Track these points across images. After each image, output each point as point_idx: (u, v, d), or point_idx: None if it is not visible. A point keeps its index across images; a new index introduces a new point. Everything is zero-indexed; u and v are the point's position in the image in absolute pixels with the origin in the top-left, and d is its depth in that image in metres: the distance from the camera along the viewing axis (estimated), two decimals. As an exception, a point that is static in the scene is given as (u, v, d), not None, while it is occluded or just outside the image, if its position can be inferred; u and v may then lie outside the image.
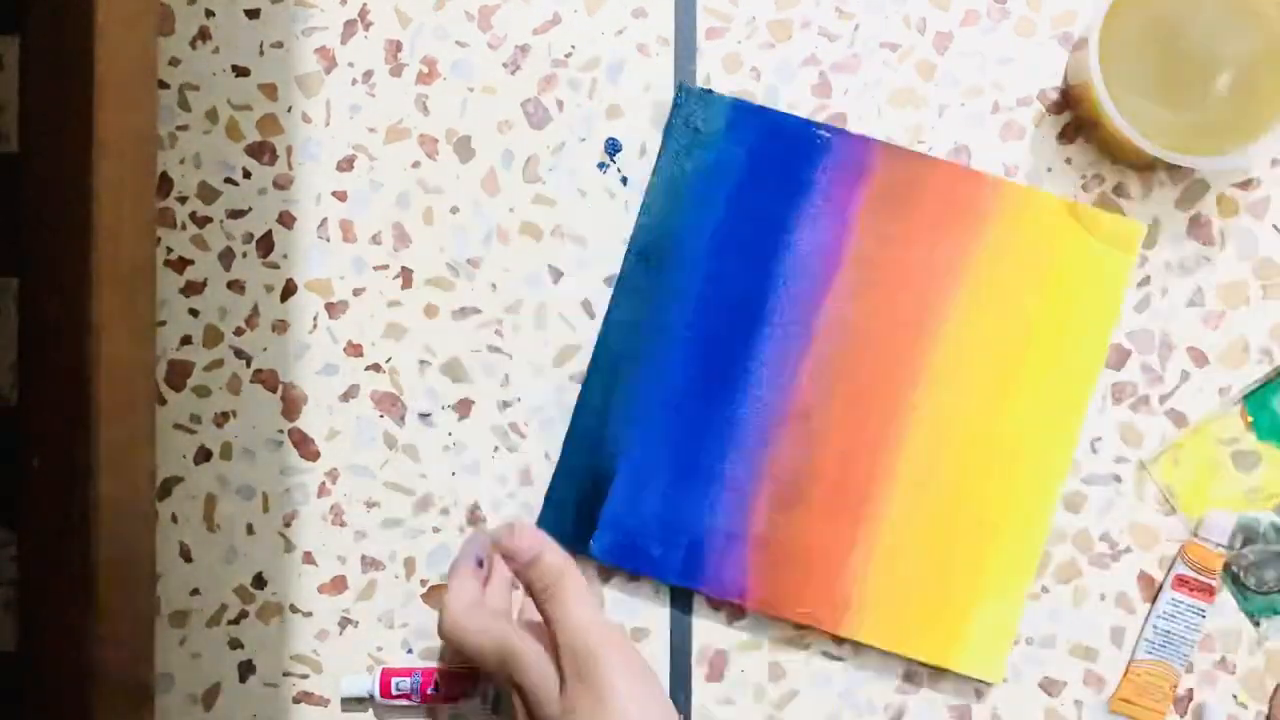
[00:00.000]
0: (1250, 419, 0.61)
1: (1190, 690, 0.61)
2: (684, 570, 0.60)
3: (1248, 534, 0.60)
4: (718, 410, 0.60)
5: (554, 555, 0.54)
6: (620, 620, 0.61)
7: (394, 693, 0.60)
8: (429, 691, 0.59)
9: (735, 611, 0.61)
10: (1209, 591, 0.59)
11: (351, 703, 0.61)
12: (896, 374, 0.60)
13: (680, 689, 0.61)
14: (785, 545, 0.60)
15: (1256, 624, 0.61)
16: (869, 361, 0.60)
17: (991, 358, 0.60)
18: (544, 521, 0.60)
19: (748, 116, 0.61)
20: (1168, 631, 0.60)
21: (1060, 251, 0.60)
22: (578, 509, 0.60)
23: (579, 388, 0.61)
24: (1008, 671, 0.61)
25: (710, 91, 0.61)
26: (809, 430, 0.60)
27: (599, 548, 0.60)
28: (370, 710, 0.61)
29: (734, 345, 0.61)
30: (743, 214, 0.61)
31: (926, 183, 0.61)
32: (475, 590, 0.56)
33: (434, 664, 0.61)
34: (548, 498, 0.61)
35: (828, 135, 0.61)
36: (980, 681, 0.61)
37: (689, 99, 0.61)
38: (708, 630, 0.61)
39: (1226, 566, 0.60)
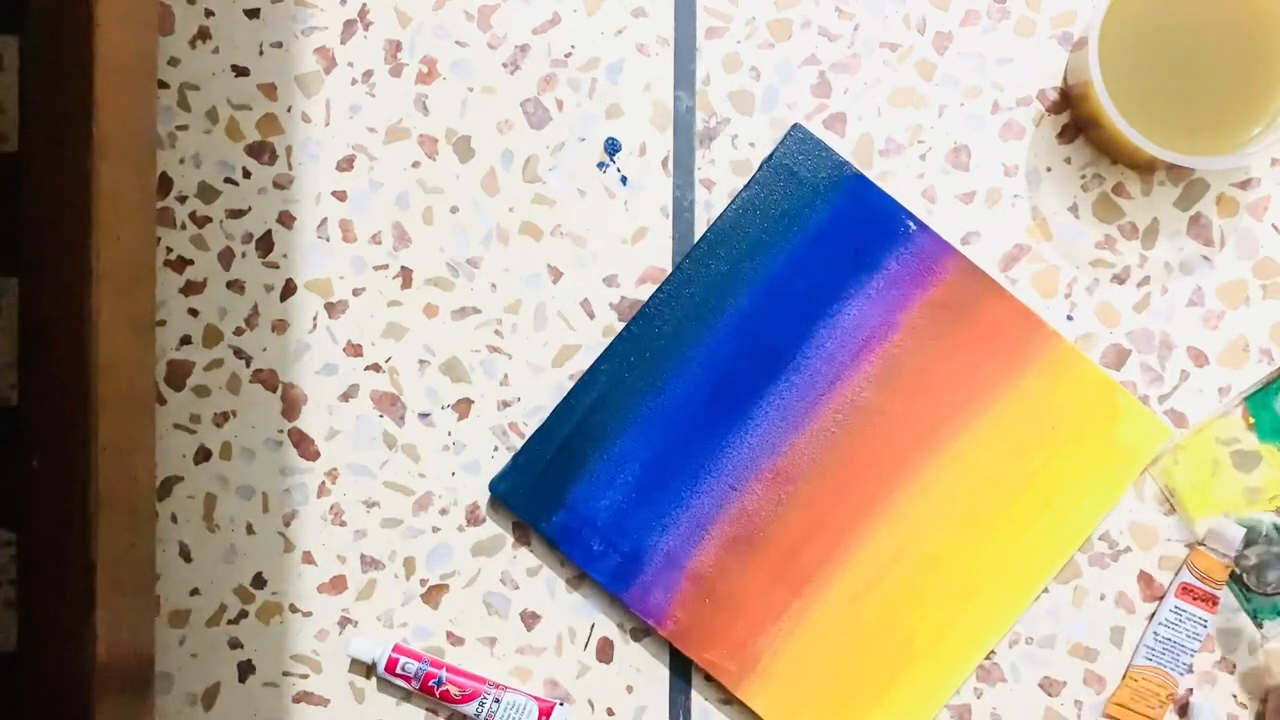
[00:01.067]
0: (1252, 420, 0.61)
1: (1189, 689, 0.61)
2: (616, 575, 0.60)
3: (1250, 535, 0.60)
4: (708, 439, 0.60)
5: None
6: (620, 608, 0.61)
7: (398, 671, 0.60)
8: (430, 684, 0.59)
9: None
10: (1212, 601, 0.59)
11: (352, 693, 0.61)
12: (886, 474, 0.60)
13: None
14: (719, 589, 0.60)
15: (1259, 625, 0.60)
16: (867, 450, 0.60)
17: (979, 496, 0.60)
18: (504, 480, 0.60)
19: (848, 179, 0.61)
20: (1168, 639, 0.60)
21: (1085, 425, 0.60)
22: (540, 479, 0.60)
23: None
24: (1007, 673, 0.61)
25: (821, 143, 0.61)
26: (784, 492, 0.60)
27: (549, 525, 0.60)
28: (369, 703, 0.61)
29: (746, 385, 0.61)
30: (804, 267, 0.61)
31: (987, 308, 0.60)
32: None
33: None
34: (514, 460, 0.60)
35: (914, 227, 0.61)
36: (980, 681, 0.61)
37: (798, 143, 0.61)
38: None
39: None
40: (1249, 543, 0.60)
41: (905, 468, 0.60)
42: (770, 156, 0.61)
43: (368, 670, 0.61)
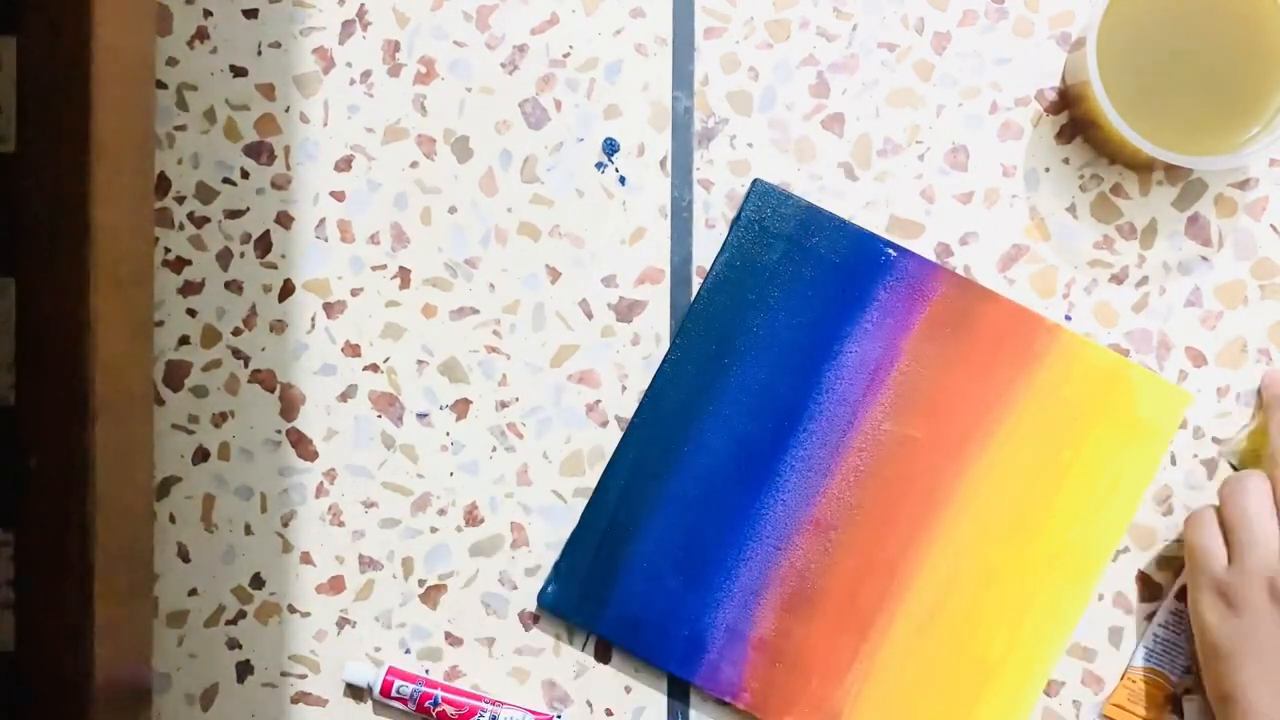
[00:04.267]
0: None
1: (1187, 690, 0.61)
2: (682, 660, 0.60)
3: None
4: (741, 506, 0.60)
5: None
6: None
7: (394, 695, 0.60)
8: (427, 705, 0.59)
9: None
10: None
11: (350, 693, 0.61)
12: (923, 500, 0.60)
13: None
14: (785, 651, 0.60)
15: None
16: (898, 482, 0.60)
17: (1019, 501, 0.60)
18: (551, 592, 0.60)
19: (818, 222, 0.61)
20: (1167, 640, 0.60)
21: (1105, 408, 0.60)
22: (586, 582, 0.60)
23: (579, 389, 0.61)
24: (1006, 671, 0.61)
25: (785, 192, 0.61)
26: (828, 540, 0.60)
27: (604, 625, 0.60)
28: (368, 703, 0.61)
29: (766, 444, 0.60)
30: (797, 317, 0.61)
31: (984, 315, 0.60)
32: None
33: (438, 666, 0.61)
34: (556, 567, 0.61)
35: (894, 254, 0.60)
36: (978, 681, 0.61)
37: (762, 197, 0.61)
38: None
39: None
40: None
41: (941, 489, 0.60)
42: (738, 216, 0.61)
43: (364, 694, 0.61)
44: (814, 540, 0.60)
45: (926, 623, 0.60)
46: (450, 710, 0.60)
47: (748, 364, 0.61)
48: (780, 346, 0.61)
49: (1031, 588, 0.60)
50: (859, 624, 0.60)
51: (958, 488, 0.60)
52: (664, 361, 0.61)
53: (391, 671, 0.60)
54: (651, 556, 0.60)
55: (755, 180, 0.61)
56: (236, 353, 0.62)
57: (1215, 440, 0.61)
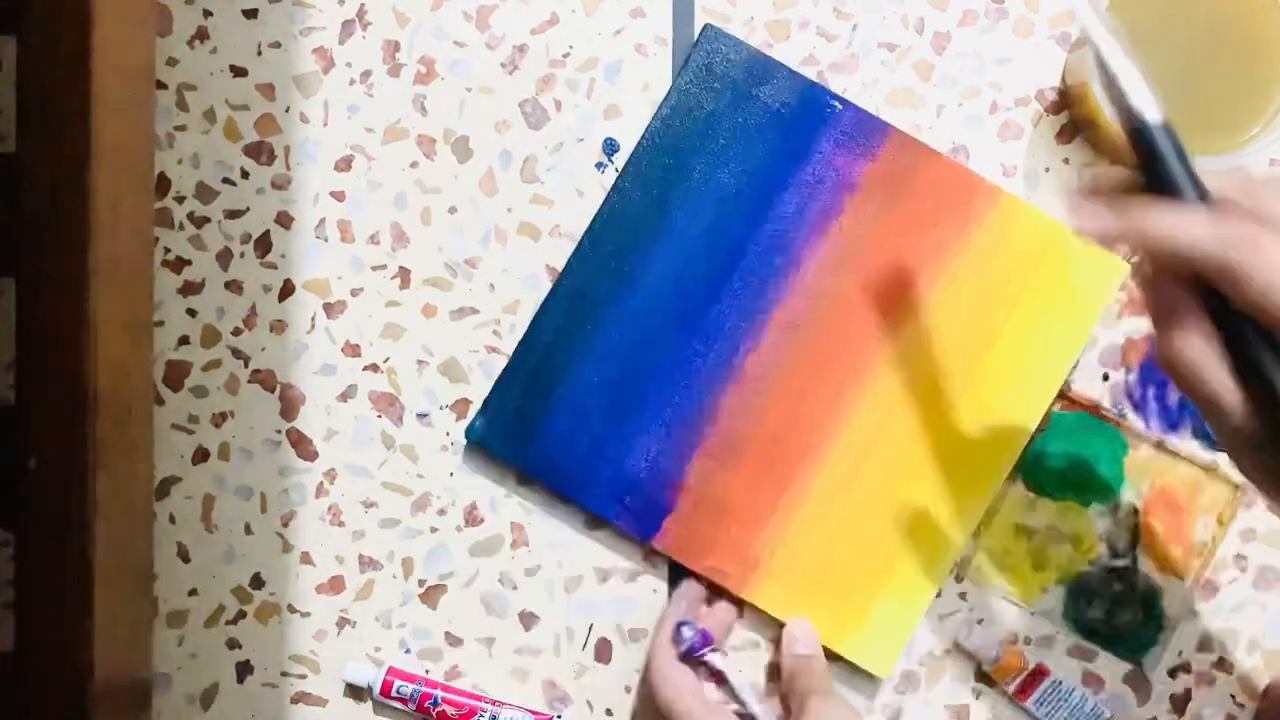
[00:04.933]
0: (1032, 484, 0.60)
1: (1188, 690, 0.61)
2: (603, 499, 0.60)
3: (1086, 594, 0.60)
4: (672, 351, 0.60)
5: (823, 662, 0.58)
6: (619, 608, 0.61)
7: (394, 695, 0.60)
8: (427, 705, 0.59)
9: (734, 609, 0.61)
10: (1026, 691, 0.60)
11: (350, 693, 0.61)
12: (854, 355, 0.60)
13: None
14: (707, 498, 0.60)
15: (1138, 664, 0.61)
16: (830, 336, 0.60)
17: (949, 361, 0.60)
18: (477, 426, 0.60)
19: (767, 71, 0.61)
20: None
21: (1040, 271, 0.60)
22: (514, 419, 0.60)
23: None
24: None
25: (735, 39, 0.61)
26: (757, 391, 0.60)
27: (529, 461, 0.60)
28: (368, 703, 0.61)
29: (701, 291, 0.60)
30: (739, 163, 0.61)
31: (926, 175, 0.61)
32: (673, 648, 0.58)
33: (438, 666, 0.61)
34: (486, 402, 0.60)
35: (840, 107, 0.61)
36: (979, 683, 0.61)
37: (714, 39, 0.61)
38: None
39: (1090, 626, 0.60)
40: (1090, 601, 0.60)
41: (871, 345, 0.60)
42: (687, 60, 0.61)
43: (364, 694, 0.61)
44: (742, 389, 0.60)
45: (849, 478, 0.60)
46: (450, 710, 0.60)
47: (688, 210, 0.61)
48: (721, 194, 0.61)
49: (956, 450, 0.60)
50: (782, 475, 0.60)
51: (888, 344, 0.60)
52: (603, 203, 0.61)
53: (391, 672, 0.60)
54: (580, 396, 0.60)
55: (706, 25, 0.61)
56: (236, 353, 0.62)
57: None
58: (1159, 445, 0.60)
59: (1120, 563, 0.60)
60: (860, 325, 0.60)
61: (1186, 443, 0.61)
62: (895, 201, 0.61)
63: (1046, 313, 0.60)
